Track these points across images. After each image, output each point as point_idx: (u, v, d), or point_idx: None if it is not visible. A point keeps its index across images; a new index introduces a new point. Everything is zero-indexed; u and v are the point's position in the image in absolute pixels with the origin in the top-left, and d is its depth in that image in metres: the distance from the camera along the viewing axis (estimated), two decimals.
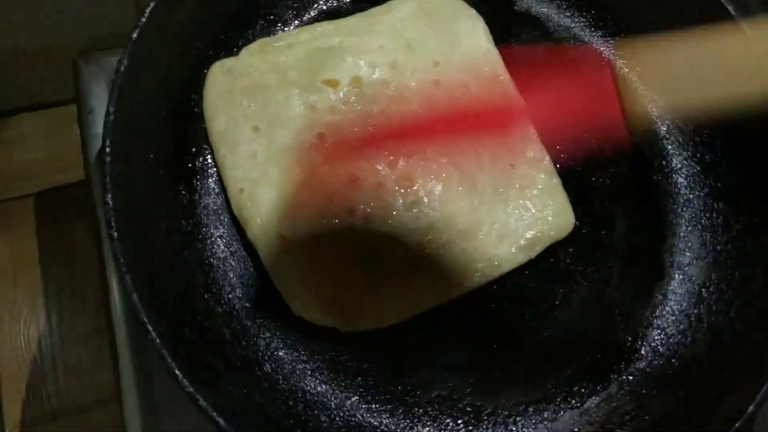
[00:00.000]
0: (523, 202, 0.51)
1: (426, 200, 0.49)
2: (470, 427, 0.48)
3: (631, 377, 0.51)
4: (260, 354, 0.48)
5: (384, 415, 0.48)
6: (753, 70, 0.43)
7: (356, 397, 0.48)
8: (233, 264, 0.50)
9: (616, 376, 0.51)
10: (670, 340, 0.52)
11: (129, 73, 0.45)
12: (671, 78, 0.45)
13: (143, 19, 0.47)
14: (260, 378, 0.47)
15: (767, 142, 0.53)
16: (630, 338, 0.52)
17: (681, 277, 0.54)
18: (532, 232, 0.51)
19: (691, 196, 0.56)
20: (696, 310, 0.52)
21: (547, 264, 0.52)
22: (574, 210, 0.53)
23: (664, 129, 0.58)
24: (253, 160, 0.50)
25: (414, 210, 0.49)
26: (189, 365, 0.41)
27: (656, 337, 0.52)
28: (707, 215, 0.55)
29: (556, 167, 0.53)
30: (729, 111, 0.50)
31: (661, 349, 0.51)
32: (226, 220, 0.52)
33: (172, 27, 0.50)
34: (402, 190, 0.49)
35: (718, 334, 0.50)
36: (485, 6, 0.58)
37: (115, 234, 0.42)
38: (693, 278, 0.53)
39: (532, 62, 0.54)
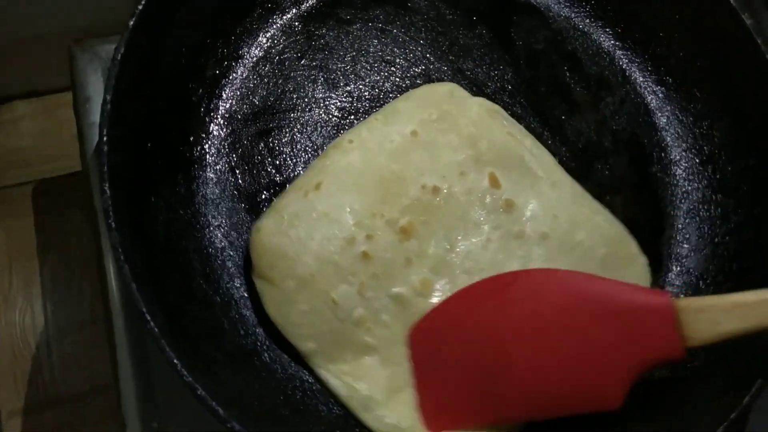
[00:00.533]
0: None
1: None
2: None
3: None
4: (259, 344, 0.48)
5: None
6: None
7: None
8: (231, 254, 0.50)
9: None
10: None
11: (126, 61, 0.45)
12: None
13: (140, 6, 0.46)
14: (259, 367, 0.47)
15: (765, 134, 0.53)
16: None
17: (679, 268, 0.54)
18: None
19: (690, 187, 0.56)
20: None
21: None
22: None
23: (664, 120, 0.58)
24: None
25: None
26: (187, 355, 0.41)
27: None
28: (705, 207, 0.55)
29: None
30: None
31: None
32: (224, 210, 0.51)
33: (170, 14, 0.49)
34: None
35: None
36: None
37: (113, 224, 0.42)
38: (691, 270, 0.54)
39: None
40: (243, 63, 0.55)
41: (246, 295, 0.49)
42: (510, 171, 0.50)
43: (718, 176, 0.55)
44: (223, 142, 0.53)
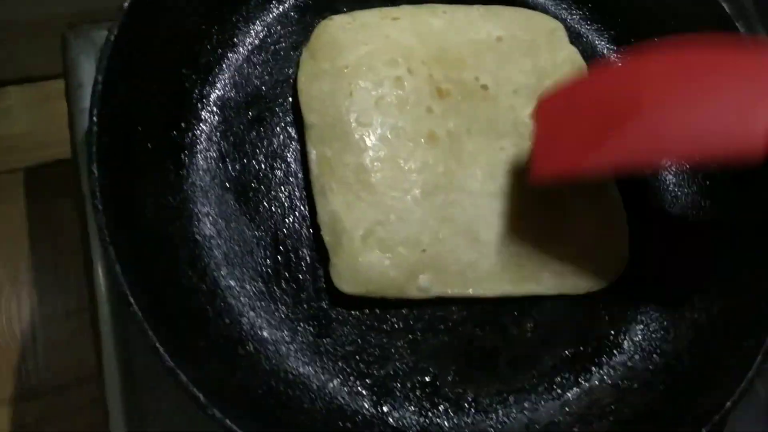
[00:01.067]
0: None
1: None
2: (451, 414, 0.48)
3: (612, 370, 0.51)
4: (243, 333, 0.48)
5: (366, 399, 0.48)
6: None
7: (338, 380, 0.48)
8: (219, 242, 0.50)
9: (597, 369, 0.51)
10: (653, 335, 0.52)
11: (119, 44, 0.45)
12: None
13: None
14: (242, 357, 0.47)
15: None
16: (613, 332, 0.52)
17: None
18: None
19: (680, 193, 0.56)
20: (680, 307, 0.52)
21: None
22: None
23: None
24: None
25: None
26: (170, 340, 0.41)
27: (639, 332, 0.52)
28: (695, 213, 0.55)
29: None
30: None
31: (643, 344, 0.52)
32: (213, 198, 0.51)
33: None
34: None
35: (700, 331, 0.50)
36: None
37: (100, 205, 0.41)
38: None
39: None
40: (237, 51, 0.55)
41: (232, 283, 0.49)
42: None
43: (707, 182, 0.55)
44: (214, 130, 0.53)
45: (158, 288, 0.44)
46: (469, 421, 0.48)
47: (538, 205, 0.51)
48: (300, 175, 0.52)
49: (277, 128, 0.54)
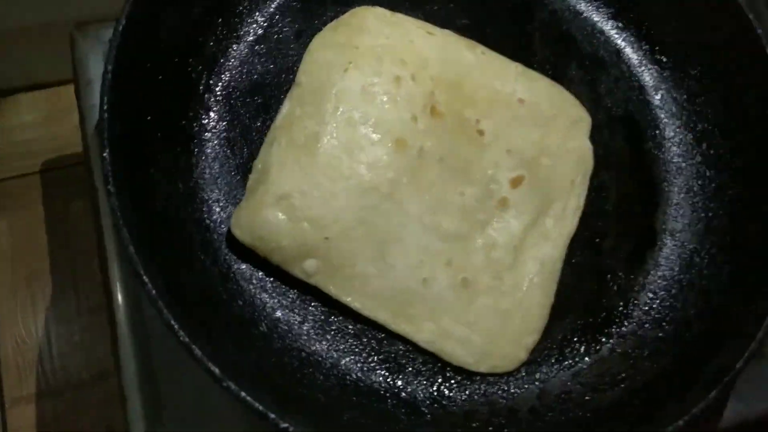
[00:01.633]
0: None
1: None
2: (463, 387, 0.49)
3: (622, 340, 0.51)
4: (256, 314, 0.49)
5: (379, 375, 0.48)
6: None
7: (351, 357, 0.49)
8: (230, 228, 0.51)
9: (607, 338, 0.51)
10: (662, 304, 0.52)
11: (126, 33, 0.46)
12: None
13: None
14: (256, 336, 0.48)
15: (759, 110, 0.53)
16: (622, 302, 0.52)
17: (673, 243, 0.54)
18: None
19: (684, 164, 0.56)
20: (687, 276, 0.53)
21: None
22: None
23: (658, 98, 0.58)
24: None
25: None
26: (185, 318, 0.42)
27: (648, 301, 0.52)
28: (699, 183, 0.56)
29: None
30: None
31: (652, 313, 0.52)
32: (222, 184, 0.52)
33: None
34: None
35: (708, 298, 0.51)
36: None
37: (113, 189, 0.42)
38: (685, 244, 0.54)
39: None
40: (242, 41, 0.56)
41: (243, 267, 0.50)
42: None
43: (711, 152, 0.56)
44: (221, 118, 0.54)
45: (172, 270, 0.45)
46: (481, 392, 0.49)
47: (460, 264, 0.49)
48: None
49: None
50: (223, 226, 0.51)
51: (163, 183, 0.49)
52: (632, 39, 0.59)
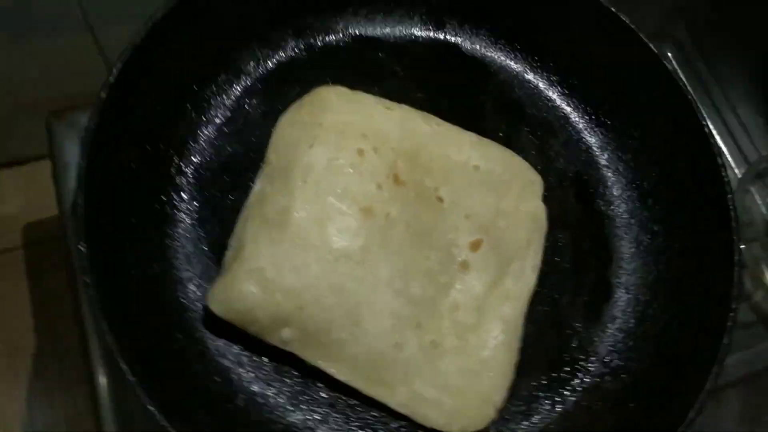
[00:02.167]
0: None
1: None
2: None
3: (586, 393, 0.54)
4: (233, 389, 0.50)
5: None
6: None
7: (326, 426, 0.50)
8: (205, 305, 0.53)
9: (572, 392, 0.54)
10: (620, 356, 0.55)
11: (98, 130, 0.48)
12: None
13: (111, 78, 0.50)
14: (233, 411, 0.49)
15: (693, 170, 0.57)
16: (583, 356, 0.55)
17: (627, 296, 0.57)
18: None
19: (632, 220, 0.60)
20: (641, 328, 0.56)
21: None
22: None
23: (605, 158, 0.62)
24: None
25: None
26: (164, 401, 0.43)
27: (607, 354, 0.55)
28: (648, 237, 0.59)
29: None
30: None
31: (612, 365, 0.55)
32: (195, 262, 0.54)
33: (140, 83, 0.53)
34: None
35: (662, 349, 0.54)
36: (435, 53, 0.63)
37: (90, 281, 0.44)
38: (638, 297, 0.57)
39: None
40: (210, 123, 0.59)
41: (220, 343, 0.52)
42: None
43: (657, 207, 0.59)
44: (193, 198, 0.56)
45: (149, 353, 0.47)
46: None
47: (428, 327, 0.51)
48: None
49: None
50: (198, 303, 0.53)
51: (137, 266, 0.51)
52: (577, 104, 0.64)
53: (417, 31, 0.64)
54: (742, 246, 0.52)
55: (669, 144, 0.58)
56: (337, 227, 0.51)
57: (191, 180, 0.57)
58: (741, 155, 0.74)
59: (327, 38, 0.63)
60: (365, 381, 0.50)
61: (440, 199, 0.55)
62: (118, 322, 0.45)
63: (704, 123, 0.55)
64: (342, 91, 0.58)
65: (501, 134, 0.61)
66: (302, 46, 0.62)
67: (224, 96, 0.60)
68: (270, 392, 0.51)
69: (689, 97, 0.56)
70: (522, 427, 0.52)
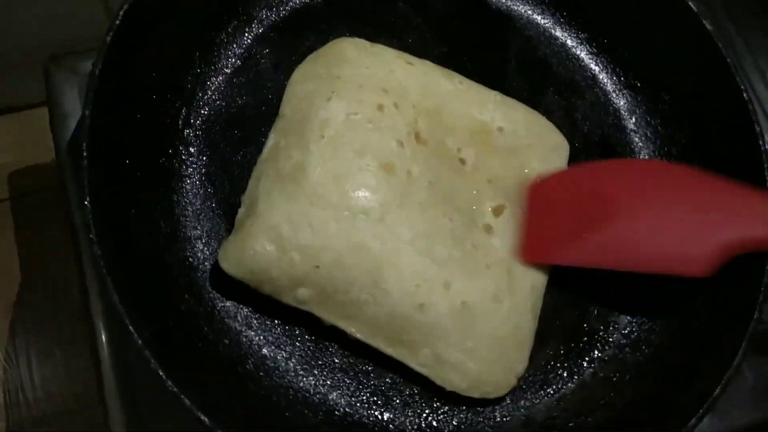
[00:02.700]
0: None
1: None
2: (451, 417, 0.49)
3: (604, 364, 0.52)
4: (243, 352, 0.49)
5: (366, 408, 0.49)
6: None
7: (338, 392, 0.49)
8: (213, 264, 0.51)
9: (590, 363, 0.52)
10: (641, 327, 0.54)
11: (104, 76, 0.45)
12: None
13: (118, 21, 0.47)
14: (243, 375, 0.48)
15: (727, 135, 0.54)
16: (602, 326, 0.54)
17: None
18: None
19: None
20: (666, 297, 0.54)
21: None
22: None
23: (632, 122, 0.59)
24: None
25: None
26: (172, 365, 0.41)
27: (627, 325, 0.54)
28: None
29: None
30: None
31: (632, 337, 0.53)
32: (204, 220, 0.52)
33: (147, 28, 0.50)
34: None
35: (686, 320, 0.52)
36: (458, 5, 0.60)
37: (95, 238, 0.42)
38: None
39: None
40: (220, 73, 0.56)
41: (228, 304, 0.50)
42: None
43: None
44: (201, 153, 0.53)
45: (157, 314, 0.45)
46: (468, 421, 0.49)
47: (459, 288, 0.48)
48: None
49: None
50: (206, 263, 0.51)
51: (144, 224, 0.49)
52: (606, 64, 0.61)
53: None
54: None
55: (703, 109, 0.56)
56: (356, 184, 0.48)
57: (199, 133, 0.54)
58: None
59: None
60: (385, 341, 0.48)
61: (462, 161, 0.53)
62: (124, 283, 0.43)
63: (743, 89, 0.52)
64: (361, 43, 0.54)
65: (525, 94, 0.58)
66: None
67: (234, 44, 0.57)
68: (280, 356, 0.49)
69: (728, 60, 0.53)
70: (538, 396, 0.51)
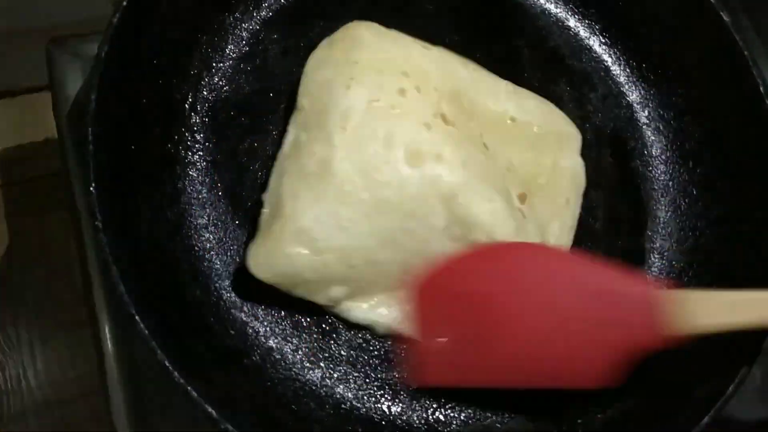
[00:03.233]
0: None
1: None
2: (458, 411, 0.49)
3: None
4: (249, 344, 0.48)
5: (373, 402, 0.48)
6: None
7: (345, 385, 0.48)
8: (219, 254, 0.50)
9: None
10: None
11: (110, 59, 0.44)
12: None
13: (124, 2, 0.46)
14: (249, 367, 0.47)
15: (744, 130, 0.54)
16: None
17: (661, 262, 0.55)
18: None
19: (671, 182, 0.57)
20: None
21: None
22: None
23: (645, 115, 0.58)
24: None
25: None
26: (178, 356, 0.41)
27: None
28: (686, 201, 0.56)
29: None
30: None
31: None
32: (210, 208, 0.51)
33: (154, 10, 0.49)
34: None
35: None
36: None
37: (100, 225, 0.41)
38: (673, 263, 0.55)
39: None
40: (227, 58, 0.54)
41: (234, 295, 0.49)
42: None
43: (698, 171, 0.56)
44: (207, 141, 0.52)
45: (163, 304, 0.44)
46: (476, 417, 0.49)
47: None
48: None
49: (270, 137, 0.53)
50: (212, 252, 0.50)
51: (149, 211, 0.48)
52: (620, 55, 0.60)
53: None
54: None
55: (718, 104, 0.55)
56: (383, 177, 0.46)
57: (206, 120, 0.53)
58: None
59: None
60: None
61: (486, 146, 0.51)
62: (130, 272, 0.42)
63: (761, 84, 0.51)
64: (375, 27, 0.53)
65: (536, 84, 0.57)
66: None
67: (243, 29, 0.55)
68: (287, 348, 0.49)
69: (746, 54, 0.52)
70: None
